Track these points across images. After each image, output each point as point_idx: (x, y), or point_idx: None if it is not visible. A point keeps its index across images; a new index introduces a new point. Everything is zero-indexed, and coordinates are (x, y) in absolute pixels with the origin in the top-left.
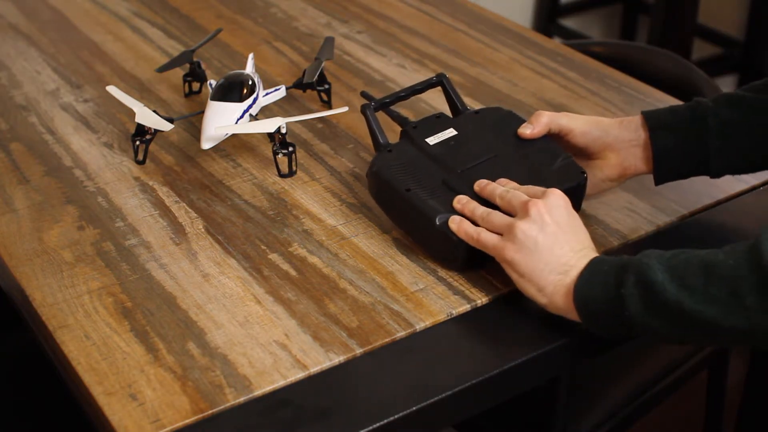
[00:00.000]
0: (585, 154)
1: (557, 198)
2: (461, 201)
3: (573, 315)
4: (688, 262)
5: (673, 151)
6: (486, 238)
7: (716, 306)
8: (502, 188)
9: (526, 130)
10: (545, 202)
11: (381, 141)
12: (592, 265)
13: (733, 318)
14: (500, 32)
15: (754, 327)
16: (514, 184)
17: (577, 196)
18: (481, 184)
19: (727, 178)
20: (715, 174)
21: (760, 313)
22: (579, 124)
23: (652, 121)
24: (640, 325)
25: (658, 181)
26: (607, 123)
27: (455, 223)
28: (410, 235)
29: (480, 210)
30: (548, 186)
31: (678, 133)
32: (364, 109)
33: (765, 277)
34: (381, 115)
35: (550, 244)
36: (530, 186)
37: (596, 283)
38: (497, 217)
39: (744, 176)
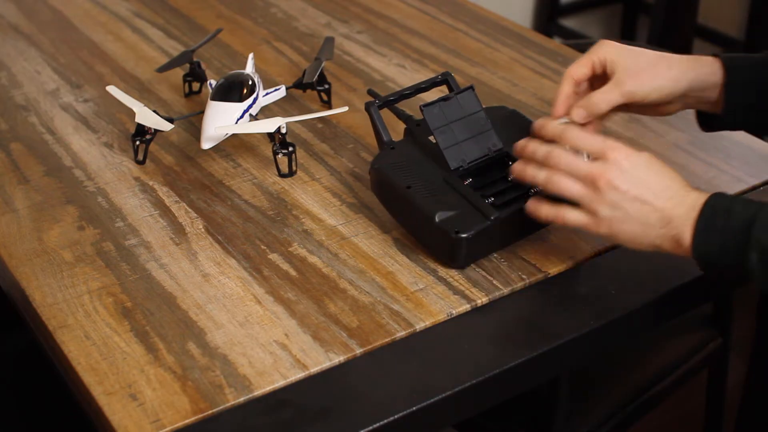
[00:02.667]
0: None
1: (625, 150)
2: (519, 145)
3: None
4: None
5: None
6: (572, 219)
7: None
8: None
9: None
10: (621, 150)
11: (384, 138)
12: (701, 221)
13: None
14: (500, 32)
15: None
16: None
17: None
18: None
19: (727, 178)
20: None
21: None
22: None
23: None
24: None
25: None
26: (676, 79)
27: (533, 205)
28: (411, 232)
29: (542, 150)
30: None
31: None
32: (368, 107)
33: None
34: (386, 113)
35: (640, 201)
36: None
37: (713, 245)
38: (568, 159)
39: (744, 176)
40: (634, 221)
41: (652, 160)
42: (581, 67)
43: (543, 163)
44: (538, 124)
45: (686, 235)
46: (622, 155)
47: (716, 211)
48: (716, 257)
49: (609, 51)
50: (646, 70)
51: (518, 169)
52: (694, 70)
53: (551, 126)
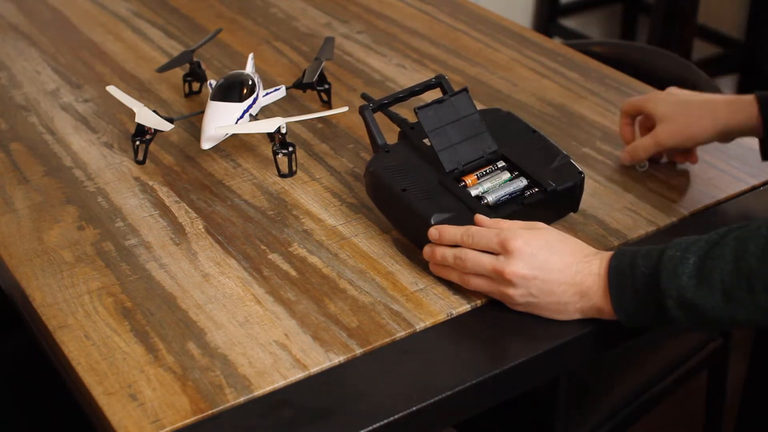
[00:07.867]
0: None
1: (523, 236)
2: (426, 253)
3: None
4: (722, 270)
5: None
6: (477, 285)
7: None
8: (457, 250)
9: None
10: (519, 237)
11: (379, 142)
12: (612, 287)
13: None
14: (500, 32)
15: None
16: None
17: (574, 195)
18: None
19: (727, 178)
20: None
21: None
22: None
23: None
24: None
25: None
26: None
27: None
28: (407, 235)
29: (449, 255)
30: (545, 185)
31: None
32: (362, 110)
33: None
34: (380, 116)
35: (550, 282)
36: (480, 229)
37: (631, 305)
38: (474, 260)
39: (744, 176)
40: (550, 302)
41: (550, 236)
42: (632, 108)
43: (453, 267)
44: (435, 234)
45: (603, 304)
46: (521, 242)
47: (621, 271)
48: (638, 315)
49: (659, 104)
50: (684, 129)
51: (435, 271)
52: (729, 124)
53: (448, 233)
